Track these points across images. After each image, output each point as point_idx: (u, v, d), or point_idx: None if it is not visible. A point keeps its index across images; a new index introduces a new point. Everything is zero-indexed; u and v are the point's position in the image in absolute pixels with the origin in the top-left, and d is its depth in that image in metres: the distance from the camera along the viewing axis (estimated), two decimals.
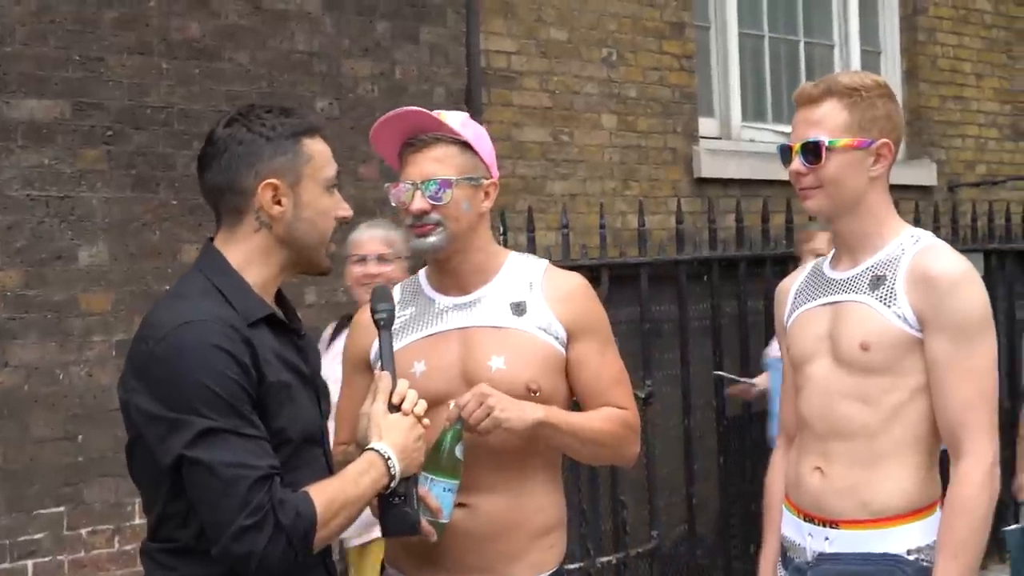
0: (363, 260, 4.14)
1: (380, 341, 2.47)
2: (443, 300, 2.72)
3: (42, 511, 4.85)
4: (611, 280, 5.61)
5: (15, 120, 4.90)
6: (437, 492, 2.49)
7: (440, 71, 6.03)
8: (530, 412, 2.55)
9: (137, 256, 5.14)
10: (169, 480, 2.10)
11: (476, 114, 6.00)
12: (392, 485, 2.26)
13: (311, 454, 2.26)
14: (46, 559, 4.85)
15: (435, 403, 2.55)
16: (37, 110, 4.94)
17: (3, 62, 4.88)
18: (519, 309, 2.66)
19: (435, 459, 2.49)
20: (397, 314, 2.63)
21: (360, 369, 2.75)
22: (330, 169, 2.29)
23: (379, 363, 2.48)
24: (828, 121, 2.65)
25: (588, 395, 2.70)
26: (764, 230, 5.92)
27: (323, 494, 2.13)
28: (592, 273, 5.63)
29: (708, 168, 7.04)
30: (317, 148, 2.27)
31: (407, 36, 5.93)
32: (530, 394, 2.60)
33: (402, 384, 2.39)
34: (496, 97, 6.25)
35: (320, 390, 2.35)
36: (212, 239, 2.28)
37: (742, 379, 5.30)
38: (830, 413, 2.66)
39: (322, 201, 2.27)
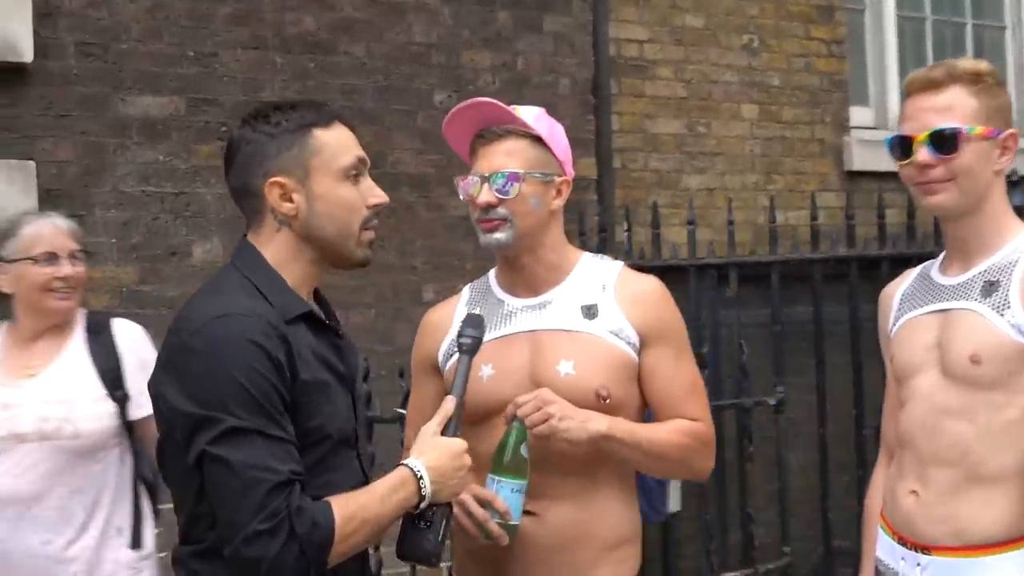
0: (53, 259, 3.34)
1: (459, 366, 2.48)
2: (512, 301, 2.71)
3: None
4: (741, 280, 5.52)
5: (131, 117, 5.07)
6: (505, 494, 2.49)
7: (565, 61, 5.98)
8: (592, 424, 2.53)
9: None
10: (198, 478, 2.10)
11: (604, 105, 5.98)
12: (421, 506, 2.23)
13: (346, 456, 2.25)
14: None
15: (502, 408, 2.56)
16: (152, 107, 5.11)
17: (119, 59, 5.06)
18: (590, 312, 2.65)
19: (499, 459, 2.50)
20: (466, 314, 2.64)
21: (428, 371, 2.75)
22: (346, 157, 2.25)
23: (452, 385, 2.49)
24: (958, 108, 2.52)
25: (660, 404, 2.68)
26: (909, 227, 5.66)
27: (345, 507, 2.11)
28: (720, 272, 5.58)
29: (861, 160, 6.80)
30: (329, 138, 2.25)
31: (530, 25, 5.91)
32: (600, 401, 2.58)
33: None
34: (627, 87, 6.17)
35: (357, 393, 2.33)
36: (246, 235, 2.29)
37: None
38: (933, 432, 2.54)
39: (338, 192, 2.24)
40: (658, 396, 2.66)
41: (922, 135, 2.51)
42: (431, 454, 2.25)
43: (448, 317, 2.75)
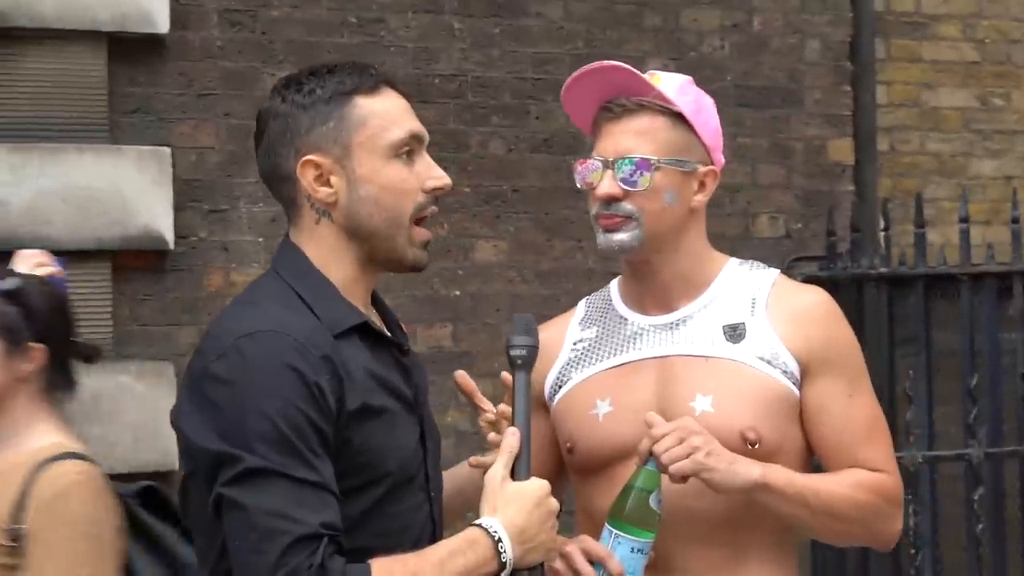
0: None
1: (514, 386, 2.31)
2: (638, 320, 2.58)
3: None
4: None
5: None
6: (622, 553, 2.36)
7: (814, 19, 5.75)
8: (743, 469, 2.40)
9: None
10: (221, 527, 2.07)
11: (867, 73, 5.78)
12: (503, 575, 2.12)
13: (411, 499, 2.18)
14: None
15: (623, 454, 2.46)
16: None
17: (269, 29, 5.04)
18: (735, 334, 2.53)
19: (621, 507, 2.39)
20: (580, 336, 2.60)
21: (534, 408, 2.57)
22: (396, 131, 2.16)
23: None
24: None
25: (831, 451, 2.55)
26: None
27: (389, 572, 2.02)
28: (1002, 283, 5.17)
29: None
30: (376, 107, 2.17)
31: None
32: (747, 446, 2.45)
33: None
34: (897, 50, 5.93)
35: (426, 420, 2.26)
36: (287, 234, 2.24)
37: None
38: None
39: (386, 173, 2.16)
40: (827, 440, 2.52)
41: None
42: (507, 508, 2.14)
43: (558, 340, 2.61)
